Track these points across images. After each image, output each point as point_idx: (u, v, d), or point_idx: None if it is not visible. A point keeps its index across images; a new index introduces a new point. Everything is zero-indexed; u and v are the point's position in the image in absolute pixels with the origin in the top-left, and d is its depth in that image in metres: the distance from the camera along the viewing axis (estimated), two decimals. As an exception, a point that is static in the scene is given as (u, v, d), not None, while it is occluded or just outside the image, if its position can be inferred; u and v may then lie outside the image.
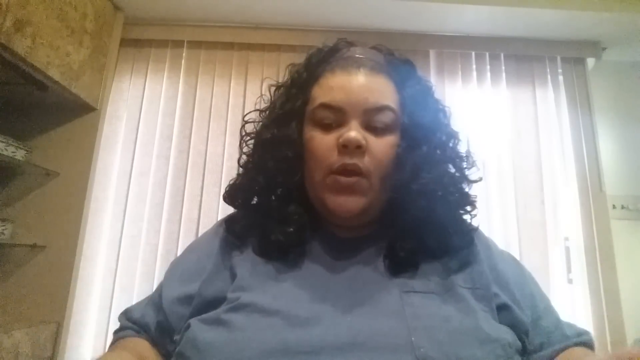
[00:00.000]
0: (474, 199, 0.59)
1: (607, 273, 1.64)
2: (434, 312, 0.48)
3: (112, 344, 0.60)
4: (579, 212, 1.73)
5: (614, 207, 1.77)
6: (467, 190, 0.59)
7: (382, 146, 0.54)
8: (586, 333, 0.59)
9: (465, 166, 0.60)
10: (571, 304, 1.66)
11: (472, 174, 0.60)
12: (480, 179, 0.61)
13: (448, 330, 0.46)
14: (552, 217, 1.71)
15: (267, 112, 0.64)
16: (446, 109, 0.62)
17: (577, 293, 1.67)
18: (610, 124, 1.89)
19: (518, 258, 0.67)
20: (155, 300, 0.60)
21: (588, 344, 0.57)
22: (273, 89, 0.66)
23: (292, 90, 0.61)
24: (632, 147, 1.88)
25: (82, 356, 1.53)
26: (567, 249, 1.72)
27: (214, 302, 0.52)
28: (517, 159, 1.77)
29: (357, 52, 0.60)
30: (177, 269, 0.63)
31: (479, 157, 0.62)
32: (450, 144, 0.59)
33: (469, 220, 0.60)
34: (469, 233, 0.58)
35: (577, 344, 0.56)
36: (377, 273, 0.54)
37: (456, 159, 0.59)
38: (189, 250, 0.67)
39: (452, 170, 0.58)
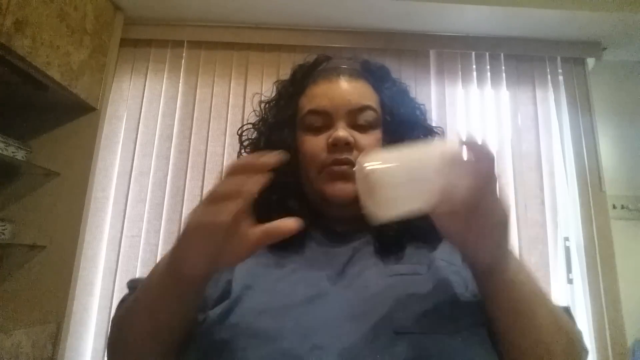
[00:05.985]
0: None
1: (607, 273, 1.64)
2: (415, 291, 0.52)
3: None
4: (579, 212, 1.72)
5: (614, 207, 1.77)
6: None
7: (369, 140, 0.60)
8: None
9: None
10: (571, 304, 1.66)
11: None
12: None
13: (425, 307, 0.50)
14: (552, 217, 1.71)
15: (261, 123, 0.71)
16: (421, 106, 0.70)
17: (577, 293, 1.67)
18: (610, 124, 1.89)
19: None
20: None
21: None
22: (263, 104, 0.73)
23: (281, 102, 0.69)
24: (632, 147, 1.87)
25: (82, 356, 1.53)
26: (567, 249, 1.72)
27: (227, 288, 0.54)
28: (517, 159, 1.77)
29: (336, 63, 0.67)
30: None
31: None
32: (429, 137, 0.67)
33: None
34: None
35: None
36: (367, 258, 0.57)
37: None
38: None
39: None
